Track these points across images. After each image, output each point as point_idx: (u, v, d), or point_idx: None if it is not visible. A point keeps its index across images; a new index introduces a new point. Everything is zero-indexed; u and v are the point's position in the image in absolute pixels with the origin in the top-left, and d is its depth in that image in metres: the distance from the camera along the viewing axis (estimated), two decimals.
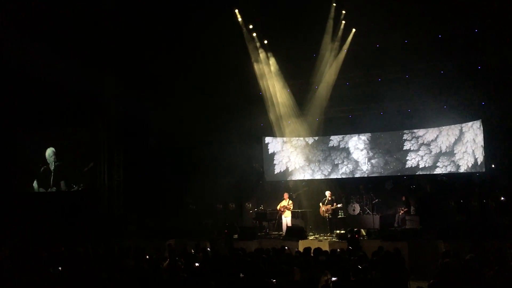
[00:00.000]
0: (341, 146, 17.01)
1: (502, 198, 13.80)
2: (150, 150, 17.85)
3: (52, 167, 18.34)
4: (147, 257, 9.43)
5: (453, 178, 15.36)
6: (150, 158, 17.47)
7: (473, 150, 14.71)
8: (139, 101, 16.03)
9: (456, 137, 15.22)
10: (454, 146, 15.24)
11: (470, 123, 14.90)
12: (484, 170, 14.37)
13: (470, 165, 14.80)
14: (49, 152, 18.43)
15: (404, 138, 16.12)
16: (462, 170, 15.02)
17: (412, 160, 15.92)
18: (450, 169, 15.28)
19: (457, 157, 15.16)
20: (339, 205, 14.60)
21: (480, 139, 14.47)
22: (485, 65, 14.54)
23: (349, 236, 12.55)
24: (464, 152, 14.99)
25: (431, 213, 14.07)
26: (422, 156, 15.77)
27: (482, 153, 14.40)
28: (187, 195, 17.35)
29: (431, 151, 15.65)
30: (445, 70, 15.19)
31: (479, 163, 14.51)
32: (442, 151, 15.45)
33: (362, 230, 13.41)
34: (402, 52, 15.30)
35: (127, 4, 15.40)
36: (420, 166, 15.78)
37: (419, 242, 12.10)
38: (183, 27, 15.79)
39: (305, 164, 17.39)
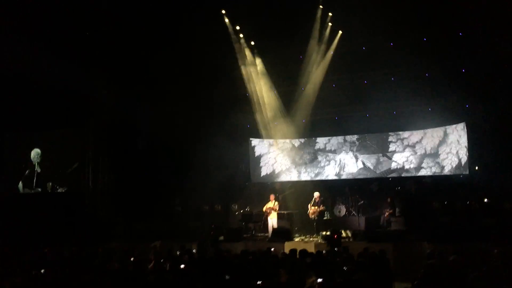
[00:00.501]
0: (327, 148, 17.07)
1: (486, 200, 13.96)
2: (138, 152, 17.73)
3: (37, 168, 18.14)
4: (132, 259, 9.34)
5: (438, 180, 15.50)
6: (137, 159, 17.34)
7: (457, 151, 14.88)
8: (127, 102, 15.94)
9: (441, 139, 15.39)
10: (438, 148, 15.40)
11: (454, 125, 15.07)
12: (467, 172, 14.54)
13: (454, 166, 14.96)
14: (34, 153, 18.23)
15: (389, 140, 16.23)
16: (446, 170, 15.18)
17: (397, 162, 16.05)
18: (434, 170, 15.43)
19: (441, 157, 15.32)
20: (322, 208, 14.59)
21: (464, 140, 14.66)
22: (469, 68, 14.68)
23: (328, 235, 12.61)
24: (448, 152, 15.15)
25: (416, 215, 14.14)
26: (407, 158, 15.91)
27: (465, 153, 14.56)
28: (174, 197, 17.26)
29: (416, 153, 15.79)
30: (430, 73, 15.33)
31: (463, 163, 14.68)
32: (427, 153, 15.60)
33: (343, 231, 13.45)
34: (388, 55, 15.41)
35: (115, 5, 15.26)
36: (406, 168, 15.91)
37: (404, 244, 12.18)
38: (172, 28, 15.70)
39: (292, 166, 17.41)
